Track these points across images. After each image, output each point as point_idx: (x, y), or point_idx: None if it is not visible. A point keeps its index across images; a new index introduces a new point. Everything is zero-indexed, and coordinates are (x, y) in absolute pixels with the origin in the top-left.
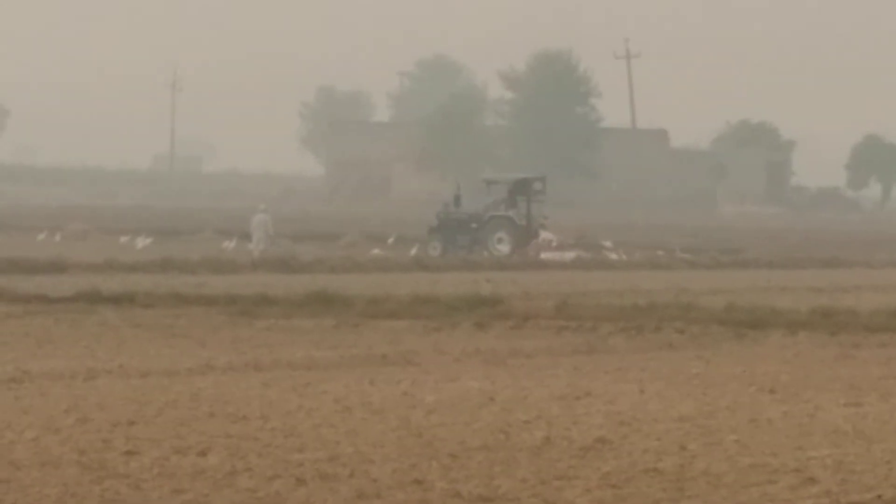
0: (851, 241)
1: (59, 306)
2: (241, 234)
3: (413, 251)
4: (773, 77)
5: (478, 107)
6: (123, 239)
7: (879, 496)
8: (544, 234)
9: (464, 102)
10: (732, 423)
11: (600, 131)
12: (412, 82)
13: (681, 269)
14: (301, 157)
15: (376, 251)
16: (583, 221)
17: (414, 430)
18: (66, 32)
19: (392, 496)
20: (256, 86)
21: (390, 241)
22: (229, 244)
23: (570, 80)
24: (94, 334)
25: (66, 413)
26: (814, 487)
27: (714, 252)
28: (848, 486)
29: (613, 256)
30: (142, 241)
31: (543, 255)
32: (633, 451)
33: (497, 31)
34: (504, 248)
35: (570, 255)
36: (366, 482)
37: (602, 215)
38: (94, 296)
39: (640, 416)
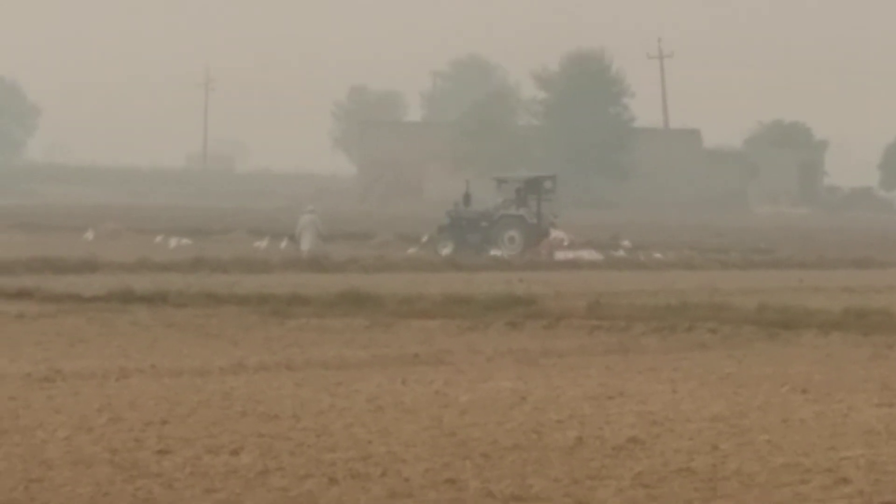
0: (884, 241)
1: (92, 305)
2: (273, 234)
3: (411, 250)
4: (806, 77)
5: (510, 107)
6: (158, 239)
7: None
8: (555, 233)
9: (497, 102)
10: (765, 423)
11: (633, 131)
12: (445, 82)
13: (713, 269)
14: (334, 157)
15: (412, 250)
16: (616, 221)
17: (446, 429)
18: (100, 32)
19: (424, 496)
20: (289, 85)
21: (424, 239)
22: (261, 244)
23: (603, 80)
24: (127, 334)
25: (99, 412)
26: (846, 487)
27: (746, 252)
28: (881, 486)
29: (622, 255)
30: (176, 241)
31: (558, 255)
32: (666, 451)
33: (530, 31)
34: (515, 247)
35: (584, 254)
36: (398, 481)
37: (634, 215)
38: (126, 295)
39: (672, 415)
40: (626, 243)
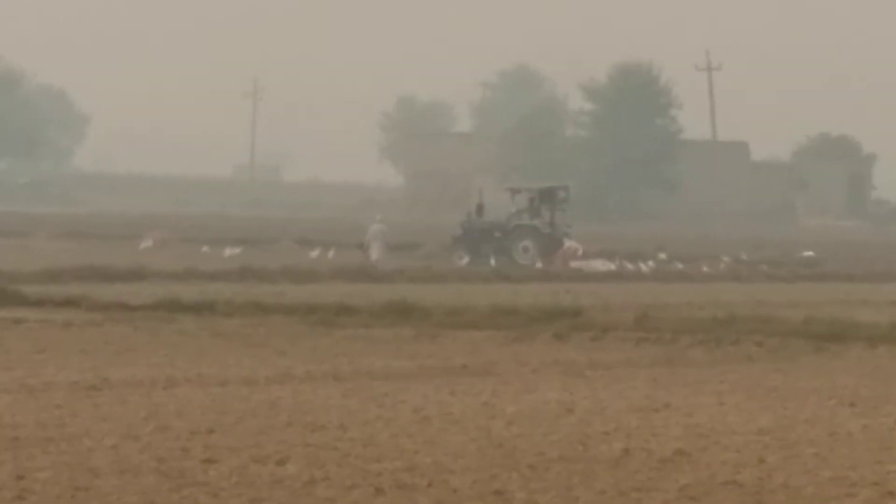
0: None
1: (139, 314)
2: (323, 244)
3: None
4: (855, 90)
5: (558, 118)
6: (205, 248)
7: None
8: (569, 243)
9: (544, 114)
10: (811, 436)
11: (680, 143)
12: (494, 93)
13: (760, 282)
14: (381, 168)
15: (465, 260)
16: (662, 233)
17: (493, 440)
18: (148, 41)
19: None
20: (337, 96)
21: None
22: (313, 253)
23: (651, 92)
24: (174, 343)
25: (146, 421)
26: (893, 501)
27: (793, 265)
28: None
29: (643, 269)
30: (229, 251)
31: (573, 265)
32: (712, 464)
33: (578, 43)
34: (529, 258)
35: (597, 264)
36: (445, 492)
37: (681, 228)
38: (174, 304)
39: (718, 428)
40: (662, 255)
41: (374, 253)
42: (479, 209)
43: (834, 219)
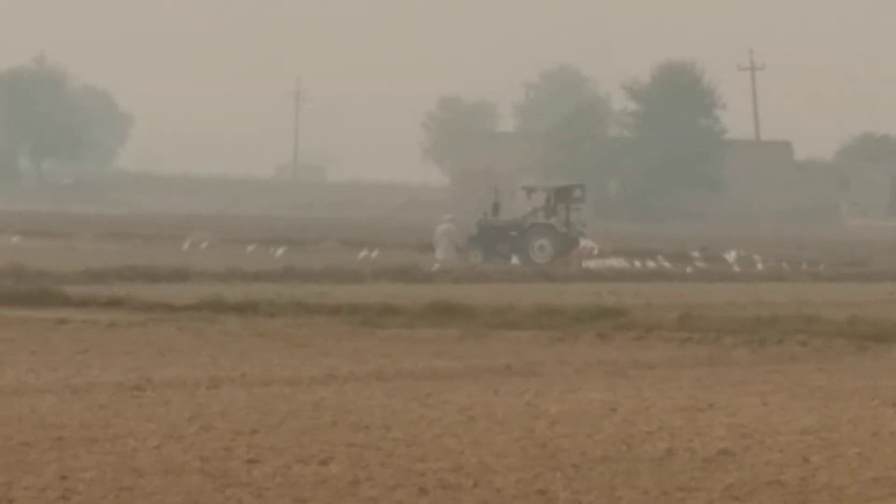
0: None
1: (183, 315)
2: (367, 244)
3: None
4: None
5: (601, 118)
6: (250, 248)
7: None
8: (585, 242)
9: (588, 114)
10: (855, 436)
11: (723, 143)
12: (537, 93)
13: (804, 282)
14: (425, 168)
15: (479, 259)
16: (706, 233)
17: (537, 440)
18: (190, 41)
19: None
20: (380, 95)
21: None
22: (369, 254)
23: (694, 92)
24: (217, 343)
25: (189, 421)
26: None
27: (838, 264)
28: None
29: (666, 264)
30: (282, 250)
31: (587, 264)
32: (756, 464)
33: (621, 42)
34: (545, 256)
35: (612, 262)
36: (489, 492)
37: (725, 227)
38: (217, 304)
39: (762, 428)
40: (695, 253)
41: (441, 253)
42: (496, 208)
43: (877, 219)
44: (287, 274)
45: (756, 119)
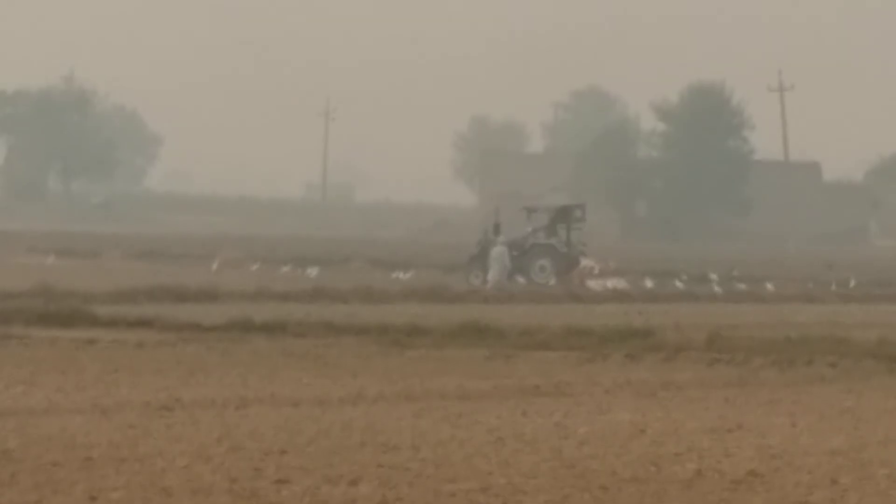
0: None
1: (212, 335)
2: (399, 265)
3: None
4: None
5: (630, 139)
6: (285, 268)
7: None
8: (585, 262)
9: (617, 134)
10: (885, 457)
11: (752, 164)
12: (566, 113)
13: (833, 303)
14: (454, 188)
15: (480, 280)
16: (731, 255)
17: (566, 461)
18: (220, 61)
19: None
20: (410, 115)
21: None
22: (403, 275)
23: (723, 113)
24: (246, 363)
25: (218, 441)
26: None
27: (867, 285)
28: None
29: (679, 285)
30: (315, 270)
31: (589, 283)
32: (785, 485)
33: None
34: (546, 276)
35: (615, 283)
36: None
37: (753, 249)
38: (246, 324)
39: (791, 449)
40: (713, 276)
41: (494, 274)
42: (497, 228)
43: None
44: (316, 294)
45: (785, 140)
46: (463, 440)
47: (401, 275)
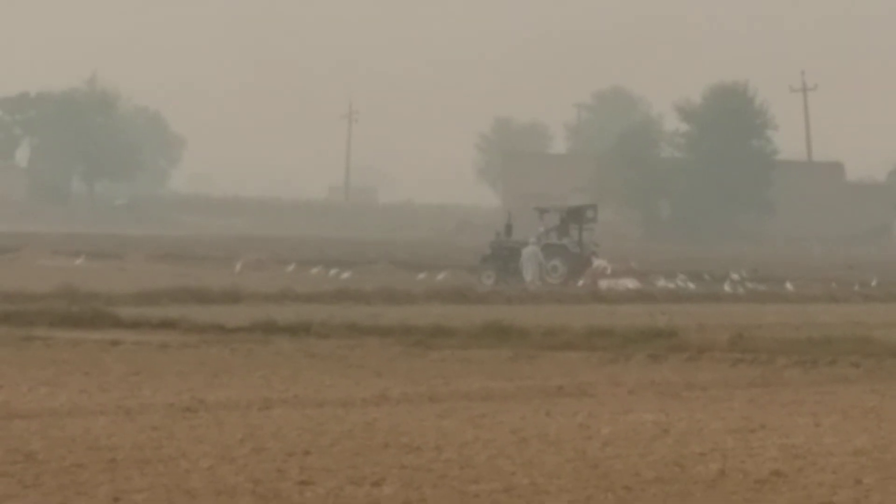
0: None
1: (235, 336)
2: (423, 267)
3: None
4: None
5: (653, 139)
6: (315, 270)
7: None
8: (597, 262)
9: (640, 135)
10: None
11: (775, 164)
12: (589, 114)
13: (856, 303)
14: (478, 189)
15: (492, 280)
16: (753, 255)
17: (589, 461)
18: (243, 63)
19: None
20: (433, 117)
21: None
22: (435, 275)
23: (746, 113)
24: (270, 364)
25: (242, 442)
26: None
27: (890, 285)
28: None
29: (691, 286)
30: (335, 272)
31: (602, 283)
32: (809, 485)
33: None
34: (558, 276)
35: (627, 283)
36: None
37: (776, 250)
38: (269, 326)
39: (815, 449)
40: (734, 276)
41: (528, 275)
42: (508, 229)
43: None
44: (339, 295)
45: (808, 140)
46: (486, 441)
47: (425, 275)
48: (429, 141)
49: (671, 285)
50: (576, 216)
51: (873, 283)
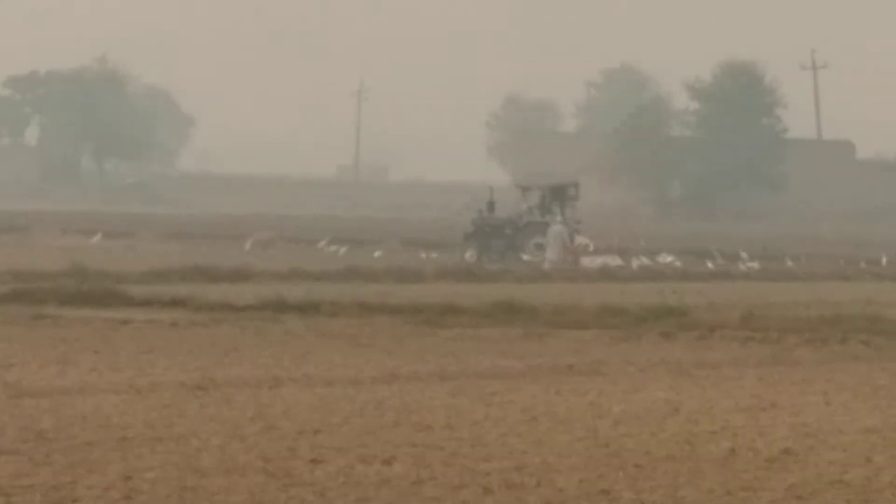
0: None
1: (245, 315)
2: (435, 245)
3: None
4: None
5: (663, 118)
6: (321, 244)
7: None
8: (579, 239)
9: (650, 113)
10: None
11: (785, 143)
12: (599, 92)
13: (867, 281)
14: (488, 168)
15: (474, 257)
16: (762, 234)
17: (600, 440)
18: (252, 41)
19: None
20: (443, 94)
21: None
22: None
23: (756, 91)
24: (280, 343)
25: (252, 421)
26: None
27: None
28: None
29: (677, 264)
30: (336, 247)
31: (583, 261)
32: (819, 463)
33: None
34: (540, 254)
35: (608, 260)
36: (552, 492)
37: (785, 228)
38: (279, 304)
39: (825, 427)
40: (743, 255)
41: (552, 253)
42: (491, 206)
43: None
44: (349, 274)
45: (818, 118)
46: (497, 419)
47: (429, 255)
48: (439, 119)
49: (649, 262)
50: (558, 194)
51: (883, 262)
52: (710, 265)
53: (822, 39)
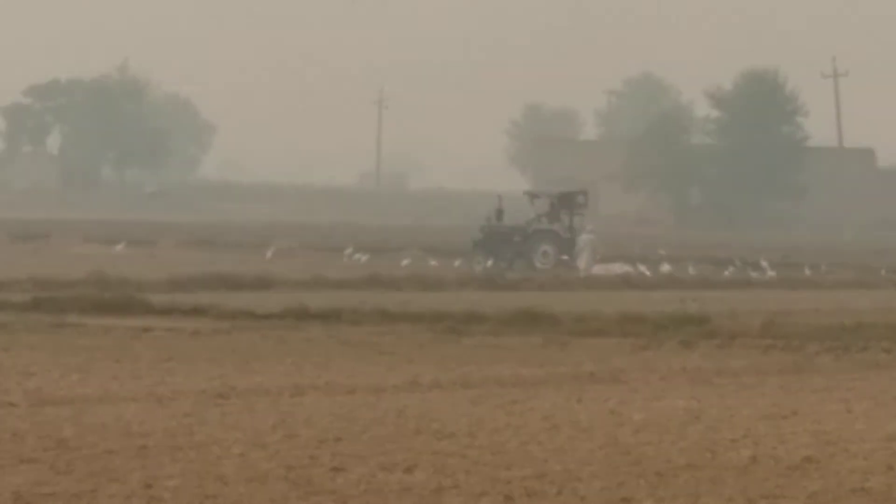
0: None
1: (266, 323)
2: (447, 253)
3: (456, 264)
4: None
5: (684, 126)
6: (347, 251)
7: None
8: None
9: (670, 121)
10: None
11: (806, 150)
12: (620, 100)
13: (888, 289)
14: (509, 175)
15: (484, 265)
16: (782, 242)
17: (621, 448)
18: (273, 51)
19: None
20: (464, 103)
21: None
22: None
23: (777, 99)
24: (301, 351)
25: (273, 429)
26: None
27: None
28: None
29: (691, 272)
30: (358, 255)
31: (594, 268)
32: (840, 471)
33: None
34: (548, 261)
35: (618, 268)
36: (573, 500)
37: (805, 236)
38: (300, 312)
39: (847, 435)
40: (763, 264)
41: (583, 262)
42: (499, 214)
43: None
44: (370, 282)
45: (839, 126)
46: (518, 427)
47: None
48: (460, 127)
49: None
50: (566, 202)
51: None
52: (759, 273)
53: (843, 47)
